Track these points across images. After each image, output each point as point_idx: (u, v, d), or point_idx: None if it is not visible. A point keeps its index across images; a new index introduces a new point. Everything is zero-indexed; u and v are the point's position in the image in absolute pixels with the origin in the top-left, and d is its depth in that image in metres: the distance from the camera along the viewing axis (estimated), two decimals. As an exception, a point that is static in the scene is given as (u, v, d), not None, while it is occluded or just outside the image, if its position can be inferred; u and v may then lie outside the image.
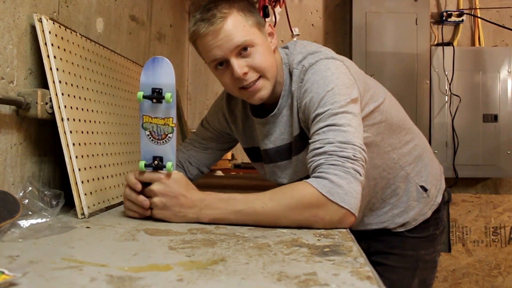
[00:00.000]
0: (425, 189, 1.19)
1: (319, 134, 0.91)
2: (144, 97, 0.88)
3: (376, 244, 1.24)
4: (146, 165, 0.91)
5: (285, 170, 1.13)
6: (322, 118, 0.92)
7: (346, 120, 0.91)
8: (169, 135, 0.90)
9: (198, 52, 1.04)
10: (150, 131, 0.90)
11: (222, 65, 1.00)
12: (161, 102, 0.88)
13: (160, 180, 0.89)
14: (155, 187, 0.89)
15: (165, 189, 0.88)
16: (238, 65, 0.98)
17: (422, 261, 1.23)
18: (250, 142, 1.20)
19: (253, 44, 0.98)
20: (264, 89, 1.02)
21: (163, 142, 0.91)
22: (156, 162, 0.90)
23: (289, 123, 1.07)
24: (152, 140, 0.91)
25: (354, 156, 0.86)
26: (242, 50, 0.98)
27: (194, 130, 2.48)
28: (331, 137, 0.89)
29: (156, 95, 0.88)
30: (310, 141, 0.94)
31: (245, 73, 0.99)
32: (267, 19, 2.33)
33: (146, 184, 0.91)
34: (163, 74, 0.88)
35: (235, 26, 0.96)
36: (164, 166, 0.90)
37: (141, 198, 0.91)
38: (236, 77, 0.99)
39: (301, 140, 1.05)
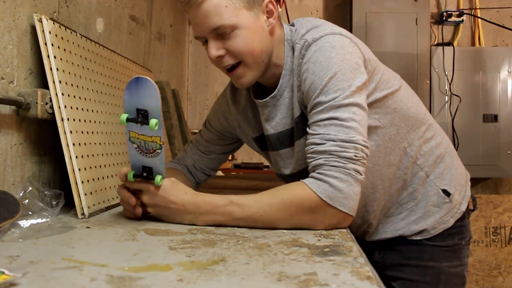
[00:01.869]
0: (448, 194, 1.07)
1: (320, 126, 0.87)
2: (128, 120, 0.82)
3: (391, 254, 1.11)
4: (135, 175, 0.88)
5: (287, 159, 1.06)
6: (325, 108, 0.87)
7: (350, 114, 0.85)
8: (157, 150, 0.85)
9: None
10: (138, 145, 0.86)
11: (206, 42, 0.95)
12: (147, 124, 0.81)
13: (149, 190, 0.86)
14: (145, 198, 0.87)
15: (155, 200, 0.86)
16: (214, 47, 0.92)
17: (445, 274, 1.07)
18: (261, 129, 1.11)
19: (235, 27, 0.90)
20: (244, 77, 0.95)
21: (151, 156, 0.86)
22: (145, 173, 0.87)
23: (291, 105, 0.99)
24: (141, 153, 0.86)
25: (356, 156, 0.84)
26: (221, 32, 0.91)
27: (194, 130, 2.48)
28: (332, 134, 0.85)
29: (141, 119, 0.81)
30: (309, 131, 0.89)
31: (221, 56, 0.93)
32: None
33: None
34: (148, 96, 0.80)
35: (216, 6, 0.89)
36: (153, 179, 0.86)
37: (127, 195, 0.89)
38: (210, 59, 0.95)
39: (302, 122, 0.97)
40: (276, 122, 1.02)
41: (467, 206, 1.12)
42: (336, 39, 0.91)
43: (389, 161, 1.03)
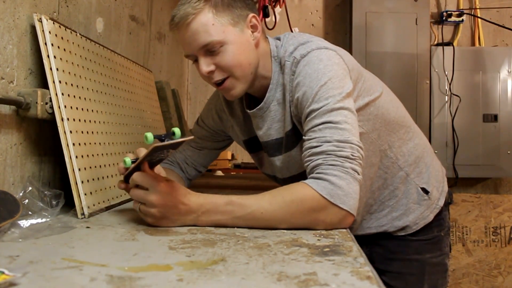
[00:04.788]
0: (426, 192, 1.14)
1: (315, 131, 0.89)
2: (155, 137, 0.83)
3: (377, 249, 1.18)
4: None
5: (276, 165, 1.11)
6: (318, 114, 0.90)
7: (343, 117, 0.89)
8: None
9: None
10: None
11: (196, 60, 0.99)
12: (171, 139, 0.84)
13: (157, 188, 0.82)
14: (152, 197, 0.81)
15: (164, 199, 0.82)
16: (204, 63, 0.96)
17: (429, 265, 1.16)
18: (251, 132, 1.16)
19: (223, 43, 0.94)
20: (234, 89, 0.99)
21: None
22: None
23: (280, 118, 1.04)
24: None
25: (352, 155, 0.85)
26: (210, 49, 0.95)
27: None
28: (328, 136, 0.87)
29: (167, 138, 0.84)
30: (305, 138, 0.92)
31: (211, 72, 0.97)
32: (267, 19, 2.33)
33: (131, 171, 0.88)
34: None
35: (203, 24, 0.93)
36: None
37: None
38: (202, 75, 0.98)
39: (294, 136, 1.02)
40: (263, 132, 1.08)
41: (445, 200, 1.20)
42: (322, 53, 0.96)
43: (370, 162, 1.09)
